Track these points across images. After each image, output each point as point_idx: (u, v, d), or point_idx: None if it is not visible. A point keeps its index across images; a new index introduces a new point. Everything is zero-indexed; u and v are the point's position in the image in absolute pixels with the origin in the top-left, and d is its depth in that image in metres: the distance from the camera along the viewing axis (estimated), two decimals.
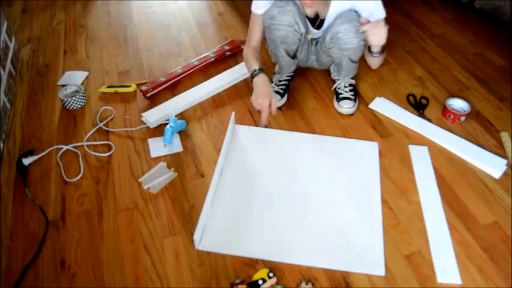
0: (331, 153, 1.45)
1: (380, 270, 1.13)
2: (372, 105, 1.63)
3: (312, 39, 1.60)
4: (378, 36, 1.37)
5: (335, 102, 1.63)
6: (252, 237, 1.20)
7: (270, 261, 1.15)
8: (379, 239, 1.21)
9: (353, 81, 1.65)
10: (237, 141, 1.48)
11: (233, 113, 1.51)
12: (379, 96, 1.66)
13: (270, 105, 1.42)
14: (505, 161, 1.41)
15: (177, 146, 1.49)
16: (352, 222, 1.25)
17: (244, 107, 1.64)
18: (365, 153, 1.45)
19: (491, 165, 1.39)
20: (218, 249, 1.17)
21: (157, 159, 1.44)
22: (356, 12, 1.42)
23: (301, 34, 1.48)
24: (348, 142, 1.49)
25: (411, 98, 1.65)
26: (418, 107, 1.63)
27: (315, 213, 1.26)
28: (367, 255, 1.17)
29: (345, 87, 1.63)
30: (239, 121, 1.58)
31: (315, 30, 1.53)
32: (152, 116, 1.56)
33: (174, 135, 1.49)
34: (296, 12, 1.42)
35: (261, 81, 1.45)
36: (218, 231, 1.21)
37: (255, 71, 1.47)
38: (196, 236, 1.15)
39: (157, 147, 1.47)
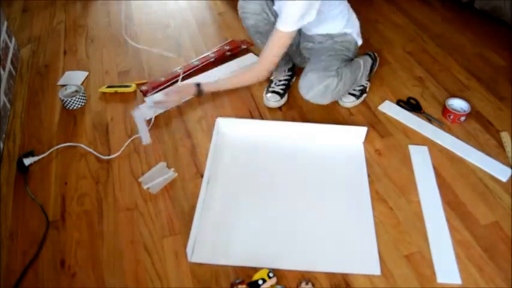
0: (316, 155, 1.45)
1: (376, 270, 1.13)
2: (380, 108, 1.63)
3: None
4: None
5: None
6: (245, 245, 1.18)
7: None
8: (372, 237, 1.20)
9: None
10: (222, 148, 1.46)
11: (218, 119, 1.49)
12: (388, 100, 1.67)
13: (163, 102, 1.53)
14: (509, 170, 1.39)
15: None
16: (344, 222, 1.24)
17: (244, 108, 1.64)
18: (352, 153, 1.45)
19: (495, 173, 1.39)
20: (212, 260, 1.15)
21: (157, 159, 1.44)
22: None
23: (273, 23, 1.44)
24: (334, 143, 1.49)
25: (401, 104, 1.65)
26: (413, 108, 1.63)
27: (306, 217, 1.26)
28: (362, 255, 1.17)
29: None
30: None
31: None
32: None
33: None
34: (264, 2, 1.47)
35: (188, 86, 1.55)
36: (210, 241, 1.19)
37: (200, 85, 1.53)
38: (189, 249, 1.13)
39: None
